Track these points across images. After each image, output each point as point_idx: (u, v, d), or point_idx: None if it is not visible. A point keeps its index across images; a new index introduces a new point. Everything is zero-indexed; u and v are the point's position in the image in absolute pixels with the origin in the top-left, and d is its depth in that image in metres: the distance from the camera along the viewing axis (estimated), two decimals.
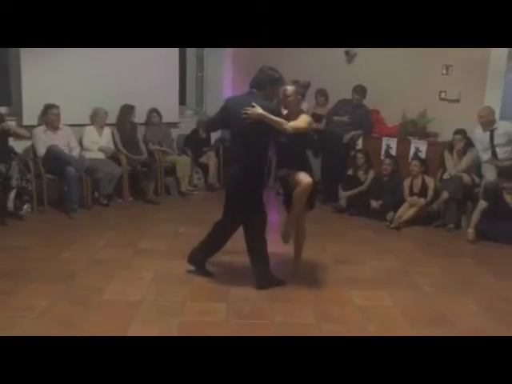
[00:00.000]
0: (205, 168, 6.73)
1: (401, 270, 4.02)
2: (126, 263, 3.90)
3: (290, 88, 3.58)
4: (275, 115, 3.28)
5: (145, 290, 3.42)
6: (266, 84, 3.39)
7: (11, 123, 5.12)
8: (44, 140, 5.26)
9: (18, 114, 5.38)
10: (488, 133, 5.12)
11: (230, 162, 3.73)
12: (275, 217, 5.10)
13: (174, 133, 6.87)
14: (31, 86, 5.34)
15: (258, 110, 3.21)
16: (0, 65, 5.45)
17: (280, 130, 3.30)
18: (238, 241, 3.73)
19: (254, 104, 3.24)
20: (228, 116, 3.46)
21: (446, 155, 5.37)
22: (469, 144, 5.30)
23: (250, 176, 3.45)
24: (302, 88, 5.23)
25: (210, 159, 6.71)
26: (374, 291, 3.53)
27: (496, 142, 5.10)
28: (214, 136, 7.22)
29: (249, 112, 3.24)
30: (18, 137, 5.15)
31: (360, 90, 5.94)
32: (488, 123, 5.10)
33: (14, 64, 5.39)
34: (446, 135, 5.53)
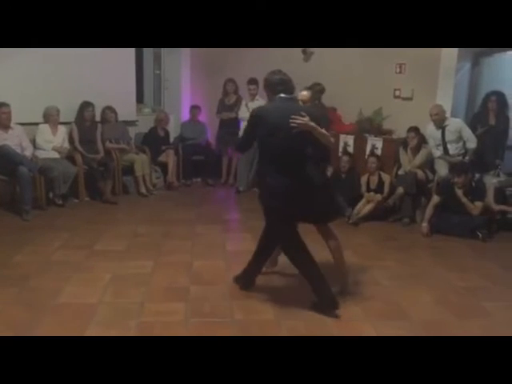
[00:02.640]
0: (164, 167, 6.66)
1: (358, 264, 4.09)
2: (83, 265, 3.81)
3: (306, 93, 3.41)
4: (319, 123, 3.02)
5: (102, 291, 3.35)
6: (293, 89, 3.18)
7: None
8: None
9: None
10: (440, 130, 5.29)
11: (274, 175, 3.09)
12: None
13: (132, 131, 6.77)
14: None
15: (309, 121, 2.95)
16: None
17: (325, 143, 3.10)
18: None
19: (303, 113, 2.96)
20: (266, 127, 3.04)
21: (401, 152, 5.51)
22: (422, 141, 5.46)
23: (307, 186, 3.16)
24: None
25: (169, 158, 6.65)
26: (331, 286, 3.58)
27: (447, 138, 5.27)
28: (173, 134, 7.17)
29: (299, 122, 2.94)
30: None
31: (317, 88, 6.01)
32: (440, 121, 5.26)
33: None
34: (401, 132, 5.67)
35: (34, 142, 5.55)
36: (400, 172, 5.51)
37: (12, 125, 5.25)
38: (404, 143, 5.51)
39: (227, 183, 7.01)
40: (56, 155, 5.59)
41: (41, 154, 5.47)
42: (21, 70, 5.40)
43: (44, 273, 3.64)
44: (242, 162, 6.64)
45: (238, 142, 3.53)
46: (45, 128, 5.63)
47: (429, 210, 5.00)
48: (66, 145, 5.77)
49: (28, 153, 5.30)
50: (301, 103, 3.35)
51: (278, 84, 3.14)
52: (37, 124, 5.62)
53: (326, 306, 3.16)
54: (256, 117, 3.10)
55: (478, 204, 4.88)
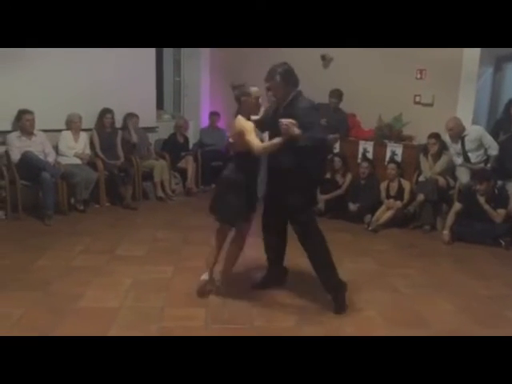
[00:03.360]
0: (183, 173, 6.71)
1: (378, 271, 4.06)
2: (104, 269, 3.86)
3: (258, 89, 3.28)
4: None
5: (123, 296, 3.38)
6: None
7: None
8: (18, 146, 5.18)
9: None
10: (459, 141, 5.23)
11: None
12: None
13: (152, 137, 6.84)
14: (5, 91, 5.25)
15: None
16: None
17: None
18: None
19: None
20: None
21: (422, 158, 5.46)
22: (443, 147, 5.40)
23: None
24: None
25: (189, 164, 6.69)
26: (351, 293, 3.55)
27: (467, 147, 5.20)
28: (192, 140, 7.23)
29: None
30: None
31: (336, 94, 6.01)
32: (456, 135, 5.21)
33: None
34: (421, 138, 5.62)
35: (56, 148, 5.64)
36: (420, 178, 5.45)
37: (35, 131, 5.35)
38: (425, 149, 5.46)
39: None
40: (78, 161, 5.68)
41: (63, 160, 5.56)
42: (43, 77, 5.49)
43: (66, 277, 3.69)
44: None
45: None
46: (67, 134, 5.72)
47: (450, 217, 4.94)
48: (88, 151, 5.86)
49: (51, 159, 5.39)
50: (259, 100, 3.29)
51: (295, 78, 3.20)
52: (59, 131, 5.71)
53: (339, 289, 3.31)
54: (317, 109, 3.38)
55: (501, 211, 4.80)
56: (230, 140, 3.33)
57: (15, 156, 5.15)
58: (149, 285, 3.60)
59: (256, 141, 3.08)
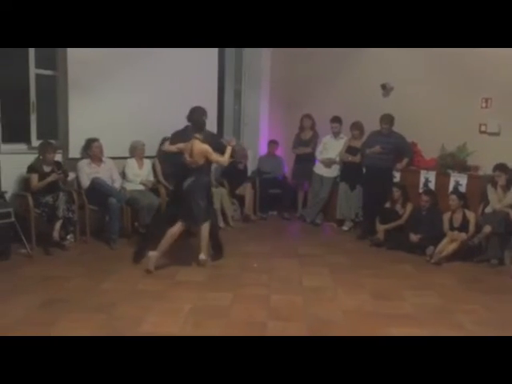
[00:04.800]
0: (241, 199, 6.80)
1: (442, 307, 3.91)
2: (165, 295, 3.95)
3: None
4: None
5: (183, 322, 3.44)
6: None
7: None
8: (88, 172, 5.46)
9: (64, 147, 5.60)
10: None
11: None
12: None
13: (212, 165, 6.98)
14: (76, 122, 5.58)
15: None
16: (49, 102, 5.71)
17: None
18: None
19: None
20: None
21: (489, 189, 5.25)
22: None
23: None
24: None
25: (247, 191, 6.78)
26: (414, 329, 3.44)
27: None
28: (251, 168, 7.33)
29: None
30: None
31: (387, 119, 5.94)
32: None
33: (61, 101, 5.65)
34: (487, 169, 5.42)
35: (122, 174, 5.89)
36: (487, 210, 5.23)
37: (104, 158, 5.62)
38: (492, 180, 5.25)
39: (303, 217, 7.02)
40: (141, 187, 5.89)
41: (128, 186, 5.79)
42: (109, 107, 5.77)
43: (129, 301, 3.80)
44: (310, 194, 6.92)
45: None
46: (132, 162, 5.97)
47: None
48: (151, 177, 6.07)
49: (117, 185, 5.63)
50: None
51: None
52: (124, 158, 5.96)
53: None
54: None
55: None
56: (188, 159, 4.43)
57: (85, 182, 5.42)
58: (208, 311, 3.65)
59: (219, 157, 4.53)
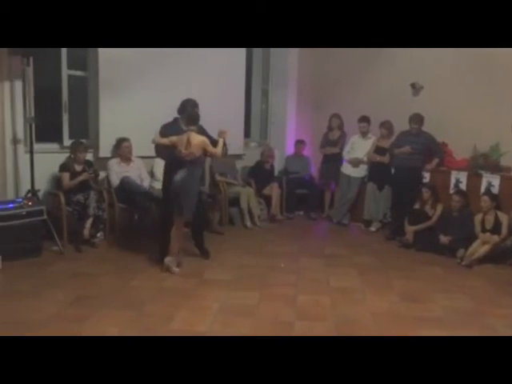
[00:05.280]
0: (268, 199, 6.80)
1: (473, 310, 3.83)
2: (193, 293, 3.98)
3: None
4: None
5: (211, 320, 3.46)
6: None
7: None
8: (118, 171, 5.54)
9: (94, 146, 5.71)
10: None
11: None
12: None
13: (238, 164, 7.02)
14: (107, 122, 5.66)
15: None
16: (80, 102, 5.82)
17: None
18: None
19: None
20: None
21: None
22: None
23: None
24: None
25: (274, 190, 6.78)
26: (444, 331, 3.38)
27: None
28: (278, 167, 7.33)
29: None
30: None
31: (416, 119, 5.86)
32: None
33: (92, 101, 5.75)
34: None
35: (151, 173, 5.96)
36: None
37: (133, 158, 5.70)
38: None
39: (329, 217, 6.98)
40: None
41: (157, 185, 5.84)
42: (138, 107, 5.81)
43: (158, 298, 3.84)
44: (337, 194, 6.87)
45: None
46: (160, 161, 6.02)
47: None
48: None
49: (146, 184, 5.70)
50: None
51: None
52: (153, 157, 6.01)
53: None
54: None
55: None
56: (184, 151, 4.28)
57: (114, 181, 5.51)
58: (236, 310, 3.66)
59: (215, 148, 4.43)
